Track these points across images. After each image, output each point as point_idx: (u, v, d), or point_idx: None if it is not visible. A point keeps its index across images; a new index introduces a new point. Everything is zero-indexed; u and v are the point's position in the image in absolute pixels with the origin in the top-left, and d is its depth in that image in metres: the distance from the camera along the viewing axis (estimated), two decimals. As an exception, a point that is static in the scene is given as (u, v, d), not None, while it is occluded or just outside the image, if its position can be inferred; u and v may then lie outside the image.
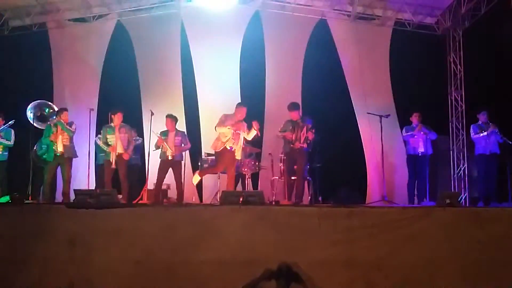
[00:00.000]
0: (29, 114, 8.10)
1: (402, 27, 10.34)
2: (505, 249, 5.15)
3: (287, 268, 4.99)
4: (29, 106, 8.11)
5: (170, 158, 7.53)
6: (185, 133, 8.27)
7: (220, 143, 7.17)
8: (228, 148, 7.14)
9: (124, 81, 9.77)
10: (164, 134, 7.66)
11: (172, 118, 7.77)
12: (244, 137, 7.22)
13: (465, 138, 10.07)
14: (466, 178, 9.91)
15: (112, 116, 7.60)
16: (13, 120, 7.61)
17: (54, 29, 10.02)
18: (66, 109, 7.54)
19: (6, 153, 7.60)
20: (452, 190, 9.62)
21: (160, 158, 7.62)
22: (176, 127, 7.85)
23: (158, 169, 7.55)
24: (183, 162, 7.95)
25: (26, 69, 9.28)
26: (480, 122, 7.61)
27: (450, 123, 10.29)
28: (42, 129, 7.63)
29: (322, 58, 10.01)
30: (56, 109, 8.04)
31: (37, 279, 5.18)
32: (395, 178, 9.44)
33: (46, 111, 8.15)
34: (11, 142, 7.59)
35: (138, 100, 9.80)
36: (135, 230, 5.27)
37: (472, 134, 7.60)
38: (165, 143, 7.52)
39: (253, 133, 7.15)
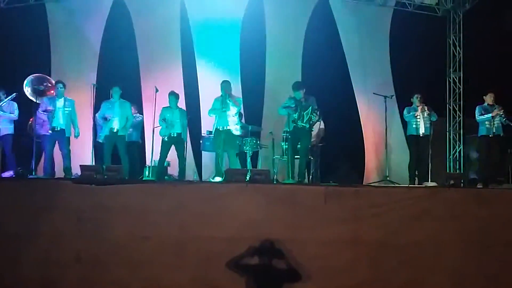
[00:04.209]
0: (27, 89, 7.94)
1: (403, 8, 10.30)
2: (509, 229, 5.28)
3: (270, 244, 5.11)
4: (27, 81, 7.96)
5: (174, 135, 7.52)
6: (185, 110, 8.18)
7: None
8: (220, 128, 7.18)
9: (123, 56, 9.58)
10: (168, 111, 7.63)
11: (175, 96, 7.75)
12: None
13: (462, 120, 10.18)
14: (462, 160, 10.07)
15: (111, 91, 7.58)
16: (15, 93, 7.50)
17: (52, 3, 9.75)
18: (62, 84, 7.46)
19: (12, 126, 7.50)
20: (447, 171, 9.77)
21: (162, 135, 7.59)
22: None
23: (161, 146, 7.53)
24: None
25: (23, 43, 9.09)
26: (485, 104, 7.66)
27: (447, 105, 10.37)
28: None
29: (322, 37, 9.94)
30: (53, 82, 7.92)
31: (44, 253, 5.22)
32: (392, 159, 9.49)
33: (44, 84, 7.99)
34: (15, 115, 7.50)
35: (138, 76, 9.67)
36: (143, 207, 5.31)
37: (477, 115, 7.64)
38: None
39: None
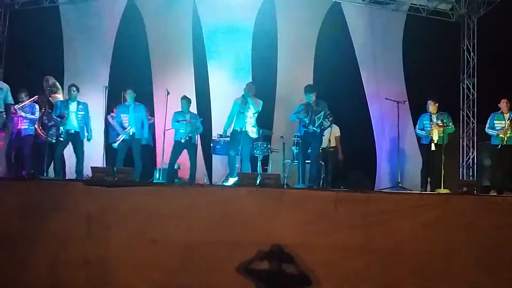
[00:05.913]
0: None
1: (416, 13, 10.23)
2: (522, 238, 5.17)
3: (279, 249, 5.05)
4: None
5: (187, 139, 7.52)
6: (197, 114, 8.18)
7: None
8: (238, 130, 7.19)
9: (136, 59, 9.65)
10: (181, 115, 7.64)
11: (187, 100, 7.75)
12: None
13: (475, 126, 10.06)
14: (475, 167, 9.93)
15: (125, 94, 7.59)
16: (37, 96, 7.55)
17: (65, 5, 9.86)
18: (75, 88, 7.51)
19: (33, 127, 7.56)
20: (460, 178, 9.66)
21: (175, 138, 7.60)
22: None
23: (172, 149, 7.53)
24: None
25: (37, 45, 9.16)
26: (500, 112, 7.50)
27: (461, 111, 10.26)
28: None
29: (335, 42, 9.94)
30: (59, 86, 8.00)
31: (53, 256, 5.19)
32: (404, 165, 9.41)
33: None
34: (36, 116, 7.58)
35: (149, 78, 9.70)
36: (152, 209, 5.26)
37: (487, 125, 7.48)
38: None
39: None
